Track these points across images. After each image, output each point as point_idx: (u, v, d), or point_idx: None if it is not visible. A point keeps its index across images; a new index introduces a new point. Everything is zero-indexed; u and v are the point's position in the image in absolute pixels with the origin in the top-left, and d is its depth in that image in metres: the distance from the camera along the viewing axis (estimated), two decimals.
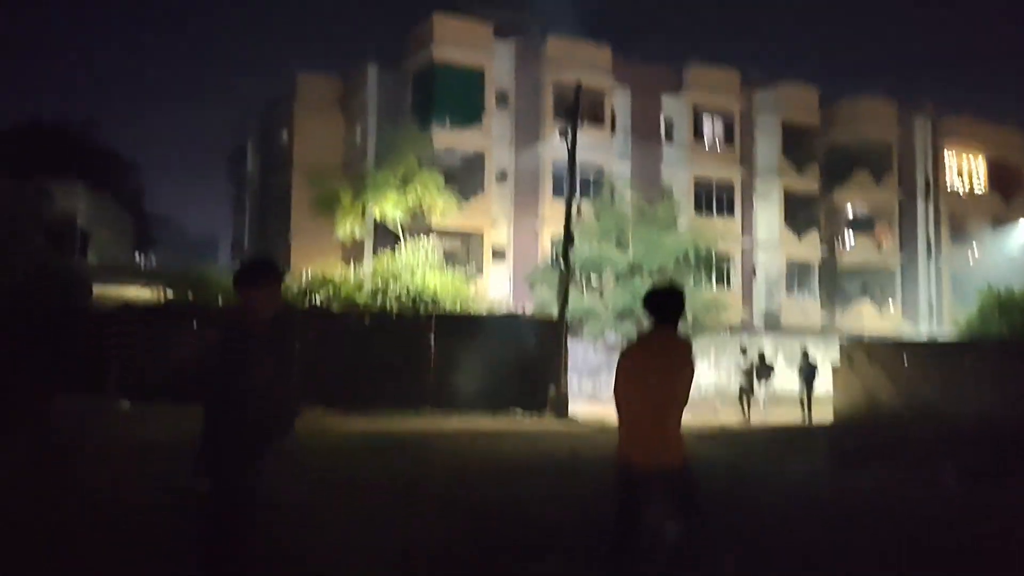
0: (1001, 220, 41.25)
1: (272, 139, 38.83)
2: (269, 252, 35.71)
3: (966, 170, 43.03)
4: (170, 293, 22.87)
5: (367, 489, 8.20)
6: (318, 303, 21.68)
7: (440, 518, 7.75)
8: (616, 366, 4.94)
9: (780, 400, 23.45)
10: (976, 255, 40.70)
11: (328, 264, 25.76)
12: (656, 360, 4.77)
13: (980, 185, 43.21)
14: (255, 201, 41.94)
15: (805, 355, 22.13)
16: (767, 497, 9.45)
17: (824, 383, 21.56)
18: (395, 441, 12.96)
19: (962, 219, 42.17)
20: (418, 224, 29.44)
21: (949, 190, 42.20)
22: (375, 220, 29.72)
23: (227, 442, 3.72)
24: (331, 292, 22.36)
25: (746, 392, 21.58)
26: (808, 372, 21.58)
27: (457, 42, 32.40)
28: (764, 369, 22.07)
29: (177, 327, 19.24)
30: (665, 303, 4.86)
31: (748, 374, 21.77)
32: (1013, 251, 35.49)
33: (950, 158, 42.59)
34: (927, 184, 41.61)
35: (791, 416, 20.99)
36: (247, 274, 3.85)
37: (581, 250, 27.51)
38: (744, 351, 22.45)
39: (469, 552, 6.61)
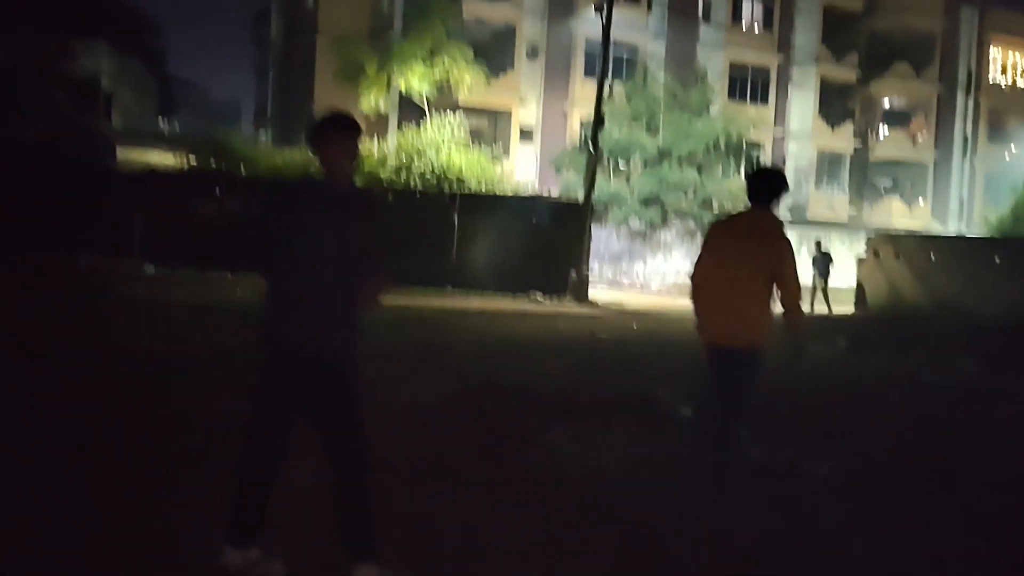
0: None
1: (297, 1, 37.75)
2: (297, 118, 35.35)
3: (1011, 65, 41.48)
4: (193, 159, 22.79)
5: (387, 359, 8.30)
6: None
7: (454, 385, 7.91)
8: (702, 243, 5.00)
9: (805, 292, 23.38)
10: (1013, 154, 39.62)
11: None
12: (741, 237, 4.79)
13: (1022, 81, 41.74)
14: (278, 67, 41.13)
15: (819, 246, 21.89)
16: (781, 379, 9.52)
17: (842, 275, 21.35)
18: (415, 318, 13.06)
19: (1002, 116, 40.93)
20: (444, 99, 28.85)
21: (991, 86, 40.81)
22: (400, 93, 29.14)
23: (315, 311, 3.34)
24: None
25: None
26: (823, 264, 21.39)
27: None
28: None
29: (202, 194, 19.27)
30: (760, 184, 4.84)
31: None
32: None
33: (995, 52, 41.01)
34: (969, 78, 40.21)
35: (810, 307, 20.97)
36: (326, 123, 3.46)
37: (610, 133, 27.02)
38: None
39: (477, 415, 6.83)
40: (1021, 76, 41.73)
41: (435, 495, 4.72)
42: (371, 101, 28.87)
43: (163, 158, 24.55)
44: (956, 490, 5.52)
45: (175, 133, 36.65)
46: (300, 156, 23.79)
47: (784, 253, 4.70)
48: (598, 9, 22.34)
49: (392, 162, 22.89)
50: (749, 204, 4.86)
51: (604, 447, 6.00)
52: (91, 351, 8.38)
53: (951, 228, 38.52)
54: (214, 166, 21.90)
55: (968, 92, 40.17)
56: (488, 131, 31.72)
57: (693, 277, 5.00)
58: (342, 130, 3.44)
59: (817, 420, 7.43)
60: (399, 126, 29.14)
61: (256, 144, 30.29)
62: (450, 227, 19.45)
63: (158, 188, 19.43)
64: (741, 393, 4.85)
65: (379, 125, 31.31)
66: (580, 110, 31.32)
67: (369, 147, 24.15)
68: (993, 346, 11.75)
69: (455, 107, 28.32)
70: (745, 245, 4.74)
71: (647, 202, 29.10)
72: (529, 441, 6.04)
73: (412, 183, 21.69)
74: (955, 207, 40.23)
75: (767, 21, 37.24)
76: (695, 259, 5.03)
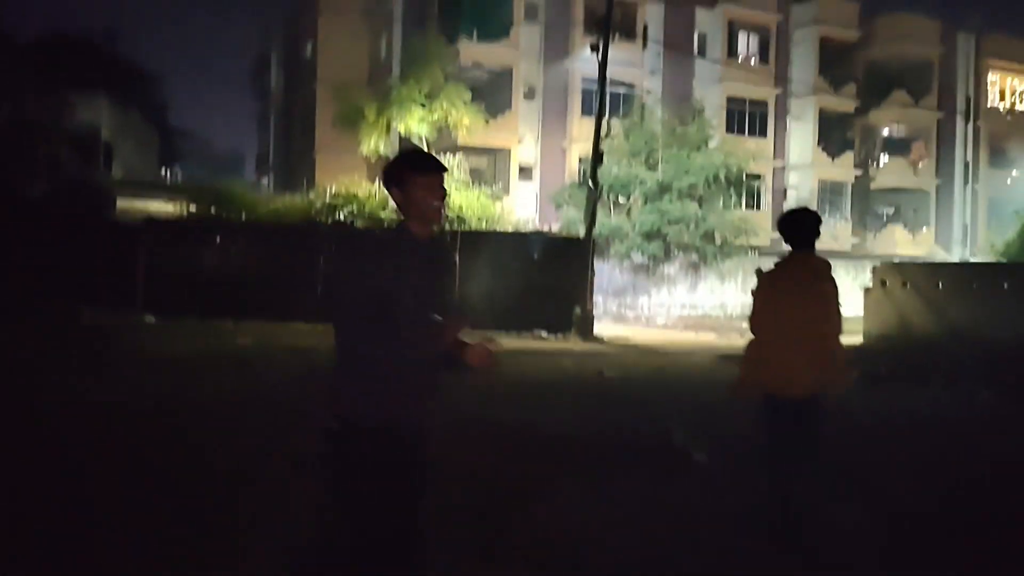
0: None
1: (296, 52, 38.17)
2: (299, 164, 35.49)
3: (1009, 90, 41.61)
4: (194, 208, 22.78)
5: None
6: (342, 219, 21.51)
7: (454, 431, 7.66)
8: (755, 293, 4.98)
9: None
10: (1015, 178, 39.54)
11: (353, 181, 25.44)
12: (804, 284, 4.79)
13: (1023, 106, 41.81)
14: (279, 116, 41.51)
15: None
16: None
17: (848, 305, 21.06)
18: None
19: (1002, 141, 40.93)
20: (444, 141, 28.96)
21: (990, 111, 40.89)
22: (400, 136, 29.27)
23: (391, 375, 2.92)
24: (355, 209, 22.15)
25: None
26: None
27: None
28: None
29: (202, 242, 19.23)
30: (802, 226, 4.82)
31: None
32: None
33: (993, 77, 41.16)
34: (968, 104, 40.30)
35: None
36: (408, 163, 3.06)
37: (609, 169, 27.03)
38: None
39: (479, 464, 6.48)
40: (1020, 101, 41.81)
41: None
42: (371, 144, 28.99)
43: (164, 208, 24.58)
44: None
45: (176, 183, 36.82)
46: (300, 202, 23.80)
47: (835, 295, 4.79)
48: (593, 49, 22.43)
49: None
50: (790, 249, 4.85)
51: (617, 500, 5.67)
52: (95, 403, 8.24)
53: (955, 255, 38.33)
54: (215, 214, 21.89)
55: (967, 118, 40.22)
56: (488, 170, 31.79)
57: (752, 329, 4.97)
58: (428, 172, 3.04)
59: (848, 464, 7.11)
60: None
61: (257, 191, 30.40)
62: (451, 266, 19.32)
63: (159, 238, 19.38)
64: (815, 441, 4.82)
65: (380, 167, 31.43)
66: (579, 147, 31.39)
67: (370, 188, 24.17)
68: (1008, 375, 11.49)
69: (455, 148, 28.41)
70: (801, 291, 4.77)
71: (649, 236, 29.02)
72: (535, 497, 5.69)
73: None
74: (959, 233, 40.09)
75: (763, 55, 37.46)
76: (750, 312, 5.01)
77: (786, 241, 4.84)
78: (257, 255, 18.96)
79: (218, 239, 19.28)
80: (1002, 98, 41.44)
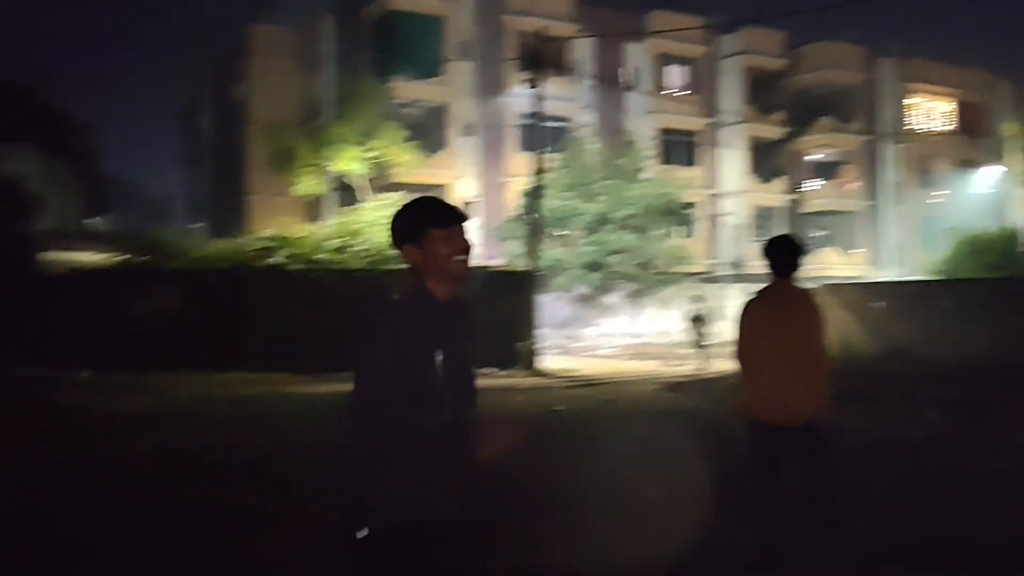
0: (968, 162, 41.24)
1: (227, 94, 37.64)
2: (232, 208, 34.86)
3: (933, 112, 43.06)
4: (126, 257, 22.10)
5: (332, 460, 7.83)
6: (277, 263, 21.05)
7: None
8: (740, 321, 4.88)
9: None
10: (943, 198, 40.79)
11: (288, 223, 25.01)
12: (790, 311, 4.78)
13: (947, 127, 43.29)
14: (211, 159, 40.85)
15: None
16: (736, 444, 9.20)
17: None
18: None
19: (929, 162, 42.24)
20: (382, 179, 28.77)
21: (916, 132, 42.22)
22: (336, 176, 28.99)
23: (424, 459, 2.56)
24: (291, 252, 21.71)
25: (698, 339, 21.37)
26: None
27: None
28: (700, 317, 21.68)
29: (135, 291, 18.61)
30: (786, 254, 4.80)
31: (698, 321, 21.54)
32: (980, 193, 35.54)
33: (917, 101, 42.56)
34: (894, 127, 41.56)
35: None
36: (425, 215, 2.68)
37: (549, 202, 27.12)
38: (698, 301, 22.17)
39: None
40: (943, 122, 43.26)
41: None
42: (306, 185, 28.65)
43: (95, 258, 23.81)
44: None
45: (107, 231, 35.86)
46: (234, 246, 23.30)
47: (821, 322, 4.79)
48: (528, 84, 22.56)
49: (330, 245, 22.45)
50: (773, 276, 4.82)
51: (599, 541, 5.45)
52: (28, 463, 7.82)
53: (888, 274, 39.25)
54: (147, 262, 21.25)
55: (894, 141, 41.45)
56: None
57: (739, 357, 4.89)
58: (449, 223, 2.67)
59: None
60: (337, 208, 28.90)
61: (190, 237, 29.74)
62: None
63: (90, 289, 18.73)
64: (824, 467, 4.75)
65: (316, 208, 31.06)
66: (518, 182, 31.49)
67: (305, 230, 23.78)
68: (953, 392, 11.59)
69: (393, 186, 28.22)
70: (789, 318, 4.75)
71: (591, 267, 29.15)
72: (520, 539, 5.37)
73: (352, 265, 21.25)
74: (891, 253, 41.08)
75: (692, 85, 38.16)
76: (736, 340, 4.92)
77: (771, 268, 4.81)
78: (192, 303, 18.41)
79: (151, 288, 18.69)
80: (927, 119, 42.84)
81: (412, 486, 2.55)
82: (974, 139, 42.38)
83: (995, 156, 34.47)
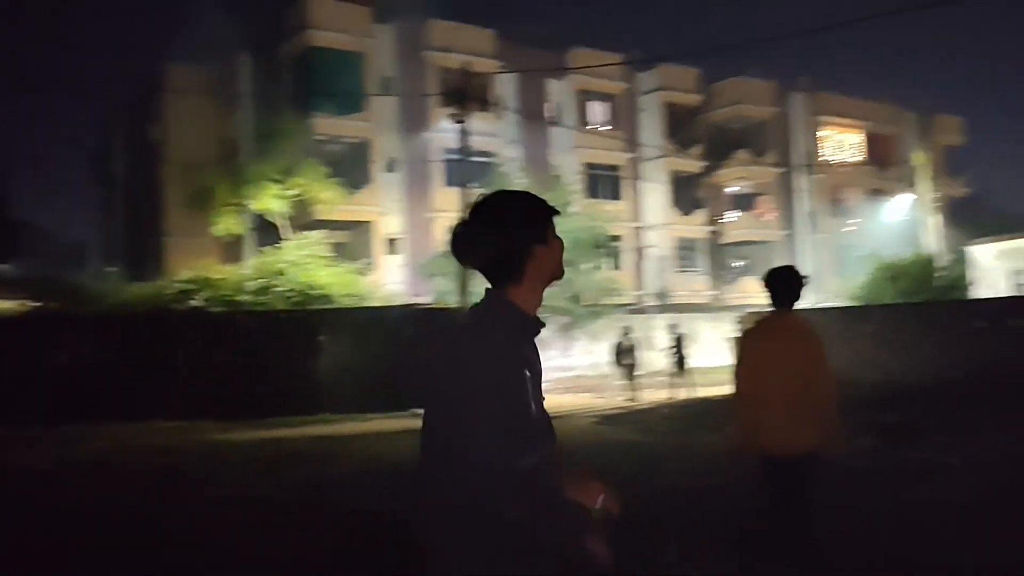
0: (878, 191, 42.62)
1: (141, 135, 36.62)
2: (143, 255, 33.78)
3: (843, 144, 44.63)
4: (36, 303, 21.08)
5: (266, 507, 7.43)
6: (197, 306, 20.36)
7: (338, 529, 7.06)
8: (739, 351, 4.82)
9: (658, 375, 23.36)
10: (856, 226, 42.10)
11: (207, 264, 24.23)
12: (790, 341, 4.71)
13: (857, 157, 44.87)
14: (126, 202, 39.63)
15: (674, 330, 22.26)
16: (684, 475, 9.08)
17: (711, 355, 21.54)
18: (290, 452, 12.07)
19: (841, 191, 43.71)
20: (303, 217, 28.23)
21: (828, 164, 43.62)
22: (256, 215, 28.34)
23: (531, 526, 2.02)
24: (211, 294, 21.03)
25: (627, 370, 21.48)
26: (678, 348, 21.68)
27: (334, 26, 31.23)
28: (628, 348, 21.88)
29: (46, 339, 17.63)
30: (786, 285, 4.78)
31: (626, 352, 21.67)
32: (891, 221, 36.79)
33: (828, 133, 44.06)
34: (807, 159, 42.87)
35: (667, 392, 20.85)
36: (545, 204, 2.21)
37: None
38: (626, 332, 22.30)
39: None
40: (853, 153, 44.88)
41: None
42: (225, 225, 27.93)
43: (4, 305, 22.66)
44: None
45: (17, 277, 34.30)
46: (151, 289, 22.51)
47: (822, 352, 4.71)
48: (451, 120, 22.47)
49: (251, 286, 21.84)
50: (773, 306, 4.77)
51: None
52: None
53: (807, 301, 40.12)
54: (59, 308, 20.30)
55: (807, 172, 42.72)
56: (353, 244, 31.17)
57: (739, 388, 4.79)
58: (552, 239, 2.23)
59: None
60: (258, 247, 28.21)
61: (105, 281, 28.65)
62: (315, 347, 18.42)
63: None
64: (814, 497, 4.69)
65: (236, 249, 30.29)
66: (444, 217, 31.27)
67: (225, 271, 23.10)
68: (882, 416, 11.69)
69: (316, 223, 27.73)
70: (789, 348, 4.67)
71: None
72: None
73: (274, 306, 20.68)
74: (808, 281, 42.05)
75: (613, 120, 38.77)
76: (734, 370, 4.83)
77: (771, 299, 4.75)
78: (108, 350, 17.54)
79: (65, 335, 17.75)
80: (838, 151, 44.39)
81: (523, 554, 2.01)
82: (884, 169, 43.99)
83: (905, 184, 35.74)
